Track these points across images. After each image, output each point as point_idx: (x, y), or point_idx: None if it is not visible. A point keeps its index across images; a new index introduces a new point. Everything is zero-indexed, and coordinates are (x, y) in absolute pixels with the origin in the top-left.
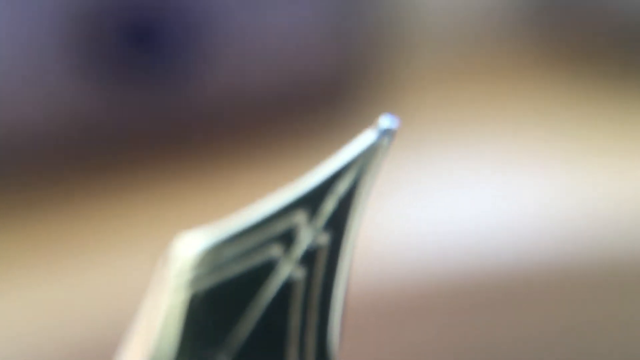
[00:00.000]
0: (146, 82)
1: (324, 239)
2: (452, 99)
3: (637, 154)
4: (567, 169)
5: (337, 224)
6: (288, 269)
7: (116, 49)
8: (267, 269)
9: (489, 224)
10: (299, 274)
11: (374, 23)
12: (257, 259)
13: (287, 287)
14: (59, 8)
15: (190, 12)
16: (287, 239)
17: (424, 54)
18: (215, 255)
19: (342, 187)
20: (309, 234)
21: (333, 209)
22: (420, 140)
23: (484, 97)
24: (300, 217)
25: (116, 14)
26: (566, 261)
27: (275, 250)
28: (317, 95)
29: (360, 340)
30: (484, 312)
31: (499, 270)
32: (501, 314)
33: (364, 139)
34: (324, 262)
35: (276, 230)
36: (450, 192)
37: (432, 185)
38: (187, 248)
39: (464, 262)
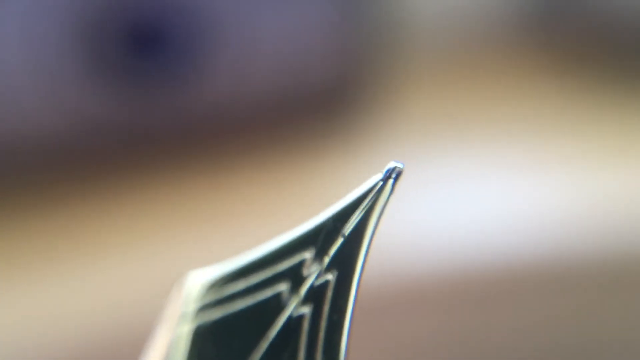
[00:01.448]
0: (149, 85)
1: (330, 276)
2: (451, 100)
3: (635, 155)
4: (566, 169)
5: (344, 262)
6: (294, 305)
7: (120, 51)
8: (274, 304)
9: (488, 222)
10: (305, 310)
11: (375, 25)
12: (263, 295)
13: (293, 323)
14: (63, 12)
15: (193, 16)
16: (294, 275)
17: (424, 55)
18: (222, 289)
19: (348, 228)
20: (315, 271)
21: (339, 247)
22: (420, 140)
23: (483, 98)
24: (307, 255)
25: (121, 17)
26: (566, 259)
27: (282, 286)
28: (318, 97)
29: (360, 336)
30: (483, 309)
31: (498, 268)
32: (500, 310)
33: (371, 183)
34: (329, 299)
35: (283, 267)
36: (449, 191)
37: (431, 185)
38: (195, 280)
39: (463, 260)
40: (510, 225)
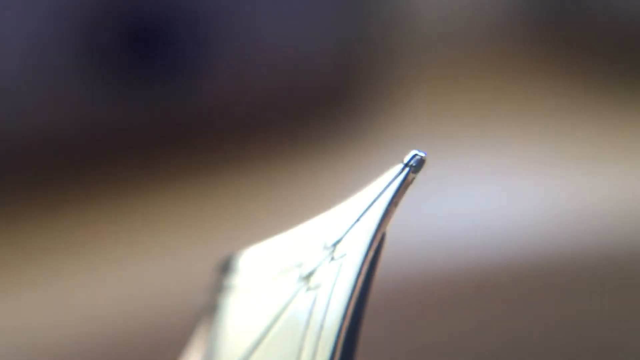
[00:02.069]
0: (148, 85)
1: (338, 264)
2: (452, 99)
3: (636, 154)
4: (566, 168)
5: (352, 251)
6: (301, 291)
7: (121, 50)
8: (285, 291)
9: (490, 221)
10: (310, 296)
11: (376, 23)
12: (278, 281)
13: (299, 310)
14: (64, 10)
15: (194, 15)
16: (306, 264)
17: (426, 54)
18: (236, 273)
19: (362, 216)
20: (326, 259)
21: (350, 235)
22: (420, 140)
23: (484, 98)
24: (322, 243)
25: (121, 16)
26: (568, 258)
27: (295, 274)
28: (320, 96)
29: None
30: (484, 308)
31: (500, 267)
32: (500, 310)
33: (392, 174)
34: (332, 286)
35: (298, 255)
36: (450, 190)
37: (432, 184)
38: (221, 263)
39: (464, 259)
40: (513, 225)
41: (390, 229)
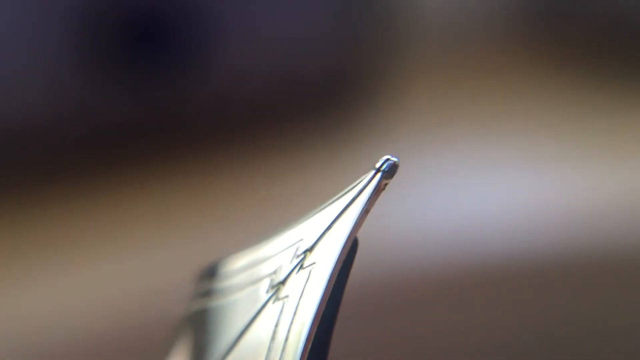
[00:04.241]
0: (146, 80)
1: (308, 269)
2: (451, 97)
3: (636, 151)
4: (566, 166)
5: (323, 255)
6: (272, 297)
7: (119, 46)
8: (257, 296)
9: (488, 218)
10: (279, 302)
11: (376, 18)
12: (250, 286)
13: (268, 314)
14: (64, 6)
15: (193, 9)
16: (279, 270)
17: (425, 49)
18: (213, 281)
19: (334, 221)
20: (297, 265)
21: (321, 241)
22: (421, 135)
23: (484, 96)
24: (294, 249)
25: (119, 11)
26: (564, 255)
27: (266, 280)
28: (318, 94)
29: (356, 333)
30: (480, 306)
31: (498, 265)
32: (499, 309)
33: (365, 180)
34: (301, 292)
35: (272, 261)
36: (450, 188)
37: (432, 182)
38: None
39: (462, 256)
40: (511, 222)
41: (387, 227)
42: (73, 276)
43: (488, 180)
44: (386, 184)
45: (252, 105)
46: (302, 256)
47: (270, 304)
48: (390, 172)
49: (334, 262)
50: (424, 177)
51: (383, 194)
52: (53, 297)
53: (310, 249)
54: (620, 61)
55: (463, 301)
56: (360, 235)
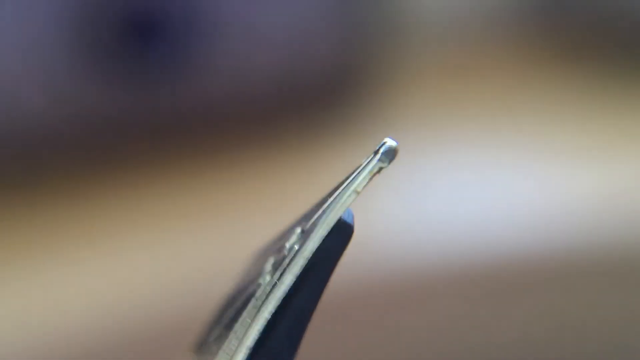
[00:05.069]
0: (146, 79)
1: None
2: (451, 96)
3: (636, 150)
4: (566, 164)
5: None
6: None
7: (119, 45)
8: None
9: (487, 215)
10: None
11: (375, 17)
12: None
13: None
14: (62, 5)
15: (192, 8)
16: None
17: (425, 47)
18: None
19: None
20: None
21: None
22: (420, 138)
23: (483, 95)
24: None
25: (119, 10)
26: (563, 253)
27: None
28: (317, 93)
29: (352, 331)
30: (480, 305)
31: (497, 262)
32: (498, 306)
33: (367, 162)
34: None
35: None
36: (449, 188)
37: (432, 181)
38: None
39: (462, 255)
40: (510, 219)
41: (386, 224)
42: (73, 276)
43: (487, 178)
44: (381, 168)
45: (252, 104)
46: (301, 238)
47: (262, 285)
48: (387, 154)
49: (313, 242)
50: (423, 175)
51: (383, 192)
52: (53, 297)
53: (305, 232)
54: (619, 61)
55: (461, 299)
56: (359, 232)
